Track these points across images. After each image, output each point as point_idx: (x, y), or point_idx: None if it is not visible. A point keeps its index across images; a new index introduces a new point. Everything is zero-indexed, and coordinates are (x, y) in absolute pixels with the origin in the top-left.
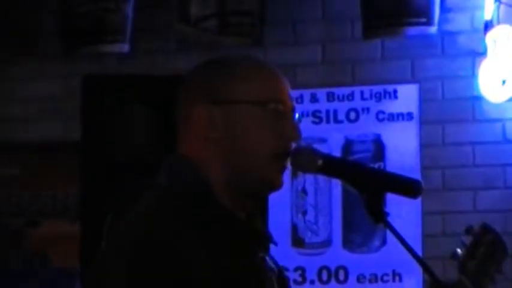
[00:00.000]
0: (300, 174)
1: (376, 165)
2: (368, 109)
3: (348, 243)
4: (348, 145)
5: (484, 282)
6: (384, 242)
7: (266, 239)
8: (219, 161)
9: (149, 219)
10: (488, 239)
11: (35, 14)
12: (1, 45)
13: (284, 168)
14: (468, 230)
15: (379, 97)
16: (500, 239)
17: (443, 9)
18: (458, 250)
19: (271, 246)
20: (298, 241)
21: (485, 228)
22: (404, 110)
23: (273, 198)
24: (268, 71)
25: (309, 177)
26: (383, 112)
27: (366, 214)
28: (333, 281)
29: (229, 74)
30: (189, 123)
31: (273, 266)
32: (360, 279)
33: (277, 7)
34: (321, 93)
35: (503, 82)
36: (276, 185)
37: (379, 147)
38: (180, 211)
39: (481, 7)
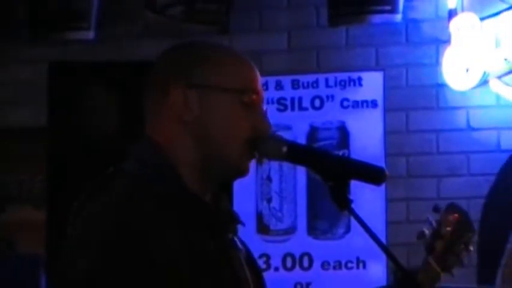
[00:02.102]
0: (265, 161)
1: (340, 153)
2: (333, 96)
3: (313, 230)
4: (312, 132)
5: (451, 262)
6: (348, 229)
7: (233, 220)
8: (190, 144)
9: (117, 208)
10: (455, 218)
11: (4, 0)
12: None
13: (252, 156)
14: (435, 209)
15: (343, 84)
16: (467, 218)
17: None
18: (425, 230)
19: (240, 230)
20: (263, 228)
21: (452, 208)
22: (369, 98)
23: (238, 185)
24: (243, 60)
25: (274, 165)
26: (347, 99)
27: (330, 201)
28: (297, 267)
29: (203, 58)
30: (162, 106)
31: (241, 246)
32: (324, 265)
33: None
34: (286, 80)
35: (467, 70)
36: (244, 171)
37: (343, 135)
38: (148, 198)
39: None
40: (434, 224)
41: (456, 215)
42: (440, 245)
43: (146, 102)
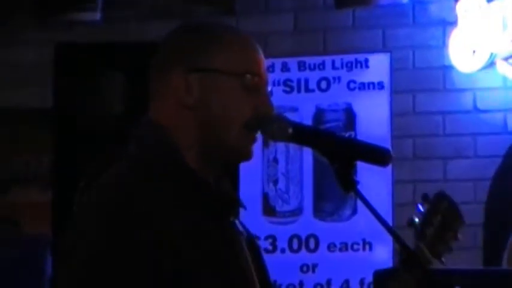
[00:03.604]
0: (271, 143)
1: (347, 134)
2: (339, 78)
3: (319, 212)
4: (319, 114)
5: (441, 249)
6: (354, 211)
7: (235, 203)
8: (191, 127)
9: (121, 189)
10: (444, 206)
11: None
12: None
13: (255, 139)
14: (424, 198)
15: (350, 66)
16: (456, 206)
17: None
18: (415, 218)
19: (243, 213)
20: (269, 210)
21: (441, 196)
22: (375, 79)
23: (245, 167)
24: (246, 42)
25: (280, 146)
26: (354, 81)
27: (336, 183)
28: (303, 249)
29: (207, 42)
30: (165, 89)
31: (242, 230)
32: (330, 247)
33: None
34: (292, 62)
35: (474, 52)
36: (247, 155)
37: (350, 117)
38: (151, 179)
39: None
40: (423, 212)
41: (445, 203)
42: (431, 233)
43: (150, 85)
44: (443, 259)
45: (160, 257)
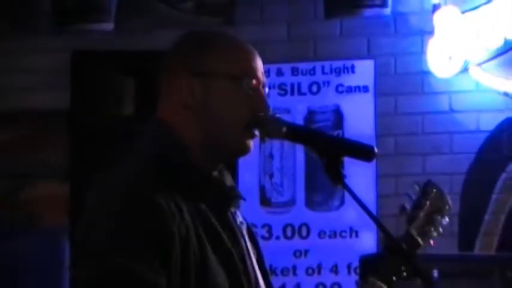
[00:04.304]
0: (267, 140)
1: (335, 133)
2: (328, 82)
3: (310, 203)
4: (310, 115)
5: (430, 232)
6: (342, 201)
7: (236, 195)
8: (194, 126)
9: (131, 182)
10: (433, 193)
11: None
12: (1, 23)
13: (253, 136)
14: (415, 186)
15: (338, 71)
16: (443, 193)
17: None
18: (406, 204)
19: (242, 204)
20: (265, 201)
21: (429, 185)
22: (361, 83)
23: (243, 162)
24: (245, 48)
25: (275, 143)
26: (342, 85)
27: (326, 176)
28: (296, 236)
29: (208, 48)
30: (170, 92)
31: (242, 220)
32: (320, 235)
33: None
34: (286, 67)
35: (450, 59)
36: (245, 151)
37: (338, 117)
38: (158, 172)
39: None
40: (414, 198)
41: (433, 190)
42: (420, 218)
43: (159, 89)
44: (431, 241)
45: (168, 245)
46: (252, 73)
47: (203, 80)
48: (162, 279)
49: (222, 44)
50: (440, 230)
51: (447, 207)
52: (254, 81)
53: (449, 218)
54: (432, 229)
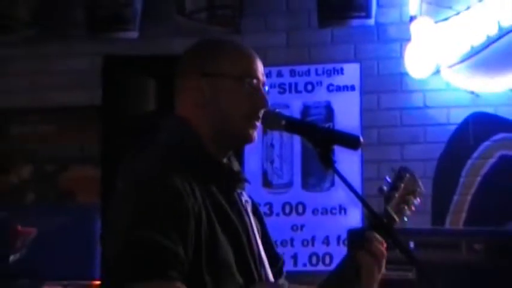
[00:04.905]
0: (268, 131)
1: (326, 125)
2: (321, 82)
3: (305, 185)
4: (305, 110)
5: (404, 210)
6: (332, 183)
7: (242, 178)
8: (205, 120)
9: (153, 168)
10: (406, 177)
11: (67, 5)
12: (41, 30)
13: (256, 127)
14: (392, 170)
15: (329, 73)
16: (415, 177)
17: (379, 6)
18: (384, 187)
19: (248, 186)
20: (267, 183)
21: (404, 170)
22: (349, 83)
23: (248, 150)
24: (247, 53)
25: (276, 134)
26: (332, 85)
27: (319, 162)
28: (293, 213)
29: (216, 54)
30: (184, 90)
31: (248, 199)
32: (314, 212)
33: (251, 1)
34: (285, 70)
35: (424, 62)
36: (249, 140)
37: (329, 112)
38: (177, 158)
39: (407, 4)
40: (390, 181)
41: (407, 175)
42: (396, 197)
43: (175, 89)
44: (405, 218)
45: (185, 220)
46: (254, 74)
47: (212, 80)
48: (181, 250)
49: (228, 49)
50: (413, 208)
51: (419, 189)
52: (255, 81)
53: (423, 198)
54: (406, 208)
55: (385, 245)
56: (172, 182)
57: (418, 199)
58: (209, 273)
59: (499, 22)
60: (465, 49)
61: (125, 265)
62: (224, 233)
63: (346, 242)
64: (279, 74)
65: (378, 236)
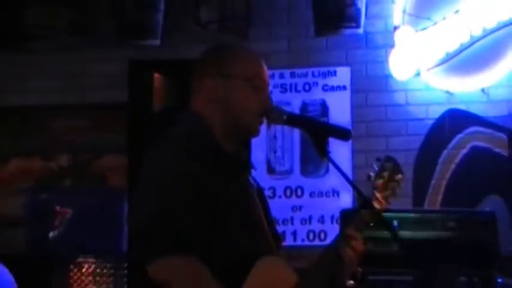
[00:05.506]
0: (272, 125)
1: (322, 119)
2: (317, 83)
3: (304, 171)
4: (303, 107)
5: (389, 195)
6: (327, 170)
7: (249, 166)
8: (218, 115)
9: (172, 157)
10: (390, 165)
11: (99, 16)
12: (76, 38)
13: (261, 121)
14: (378, 160)
15: (324, 75)
16: (398, 165)
17: (367, 17)
18: (371, 174)
19: (253, 172)
20: (271, 170)
21: (388, 159)
22: (341, 84)
23: (254, 141)
24: (254, 57)
25: (278, 128)
26: (327, 85)
27: (315, 152)
28: (293, 196)
29: (228, 57)
30: (200, 89)
31: (254, 184)
32: (311, 195)
33: (258, 13)
34: (286, 72)
35: (406, 66)
36: (256, 133)
37: (324, 108)
38: (192, 148)
39: (391, 15)
40: (377, 169)
41: (391, 163)
42: (381, 183)
43: (192, 87)
44: (389, 201)
45: (202, 205)
46: (260, 76)
47: (224, 80)
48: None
49: (239, 54)
50: (396, 192)
51: (400, 175)
52: (261, 82)
53: (404, 183)
54: (390, 193)
55: (362, 241)
56: (188, 167)
57: (401, 186)
58: (220, 245)
59: (470, 31)
60: (441, 55)
61: (146, 241)
62: (233, 214)
63: (338, 221)
64: (281, 76)
65: (356, 233)
